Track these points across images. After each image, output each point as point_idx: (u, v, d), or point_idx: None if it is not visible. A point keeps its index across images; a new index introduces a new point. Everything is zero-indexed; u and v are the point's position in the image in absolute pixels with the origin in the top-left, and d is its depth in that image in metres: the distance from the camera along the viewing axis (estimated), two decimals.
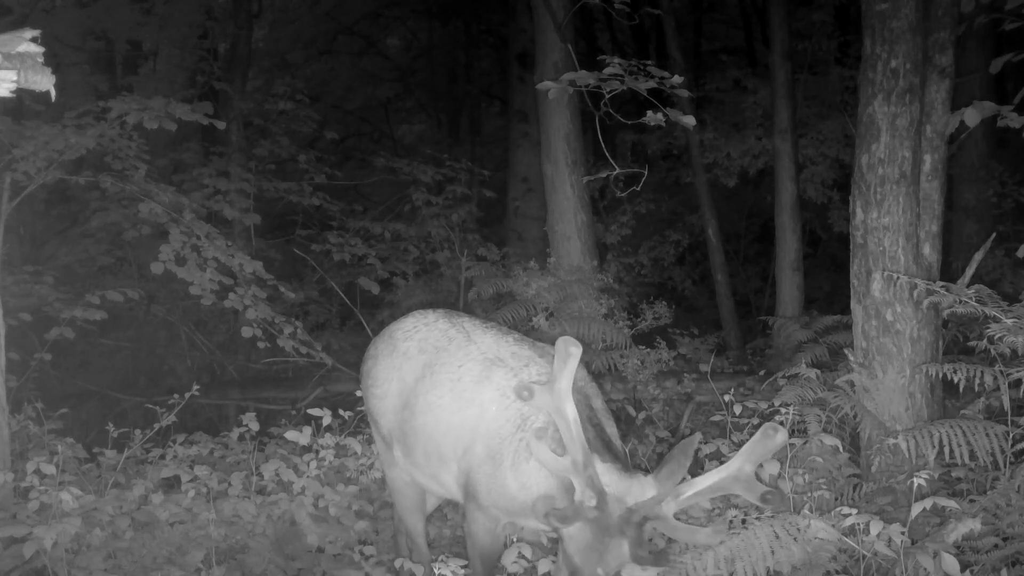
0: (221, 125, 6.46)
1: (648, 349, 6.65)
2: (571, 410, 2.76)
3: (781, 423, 4.05)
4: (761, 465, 3.66)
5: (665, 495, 2.74)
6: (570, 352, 2.73)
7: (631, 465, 2.94)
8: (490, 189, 11.53)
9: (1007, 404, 3.89)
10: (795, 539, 3.25)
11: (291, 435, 4.74)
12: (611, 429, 3.17)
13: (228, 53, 10.71)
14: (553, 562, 3.31)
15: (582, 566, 2.73)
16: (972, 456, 3.80)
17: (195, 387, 5.17)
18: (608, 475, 2.79)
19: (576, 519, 2.70)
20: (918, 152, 4.37)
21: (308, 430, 4.78)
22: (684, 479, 2.80)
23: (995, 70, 4.69)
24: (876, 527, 3.09)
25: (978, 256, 4.39)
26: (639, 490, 2.77)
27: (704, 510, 3.89)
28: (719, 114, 10.70)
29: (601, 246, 9.41)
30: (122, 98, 6.18)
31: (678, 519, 2.82)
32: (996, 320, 3.88)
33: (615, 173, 4.80)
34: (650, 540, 2.85)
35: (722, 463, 4.12)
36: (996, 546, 3.38)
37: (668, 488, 2.75)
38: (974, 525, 3.14)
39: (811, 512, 3.49)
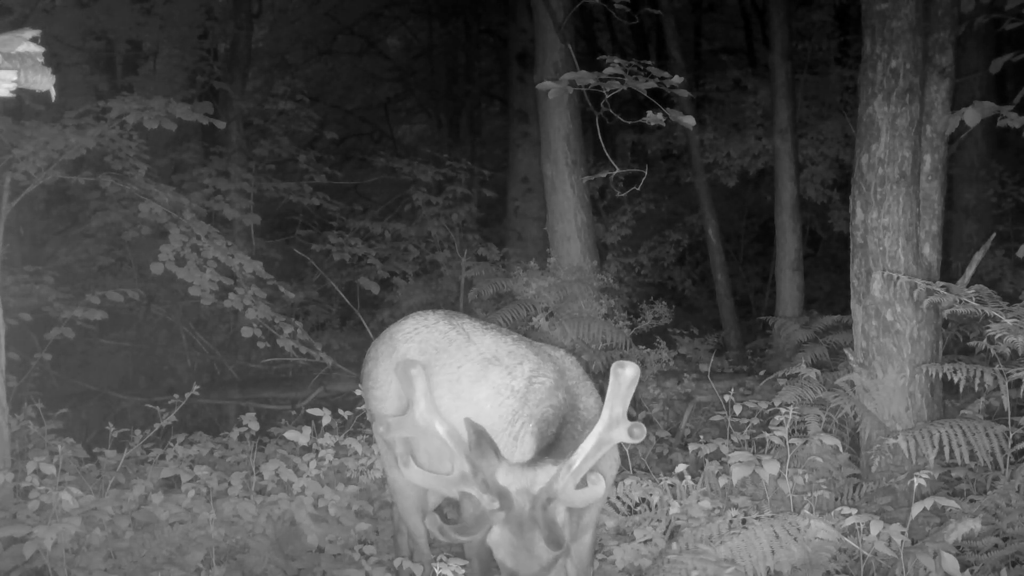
0: (221, 125, 6.46)
1: (648, 349, 6.65)
2: (440, 425, 2.75)
3: (781, 423, 4.06)
4: (760, 463, 3.68)
5: (558, 472, 2.73)
6: (411, 375, 2.73)
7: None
8: (490, 189, 11.53)
9: (1007, 404, 3.89)
10: (795, 539, 3.25)
11: (291, 435, 4.74)
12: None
13: (228, 53, 10.71)
14: None
15: (518, 569, 2.72)
16: (972, 456, 3.81)
17: (195, 387, 5.17)
18: (510, 473, 2.77)
19: (480, 527, 2.69)
20: (918, 152, 4.37)
21: (308, 430, 4.78)
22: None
23: (995, 70, 4.69)
24: (876, 527, 3.09)
25: (978, 256, 4.39)
26: (544, 476, 2.77)
27: (704, 510, 3.89)
28: (719, 114, 10.70)
29: (601, 246, 9.41)
30: (122, 98, 6.18)
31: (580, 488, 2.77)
32: (996, 320, 3.88)
33: (615, 173, 4.81)
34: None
35: (723, 464, 4.14)
36: (996, 546, 3.38)
37: (551, 481, 2.75)
38: (974, 525, 3.14)
39: (811, 512, 3.49)
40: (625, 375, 2.73)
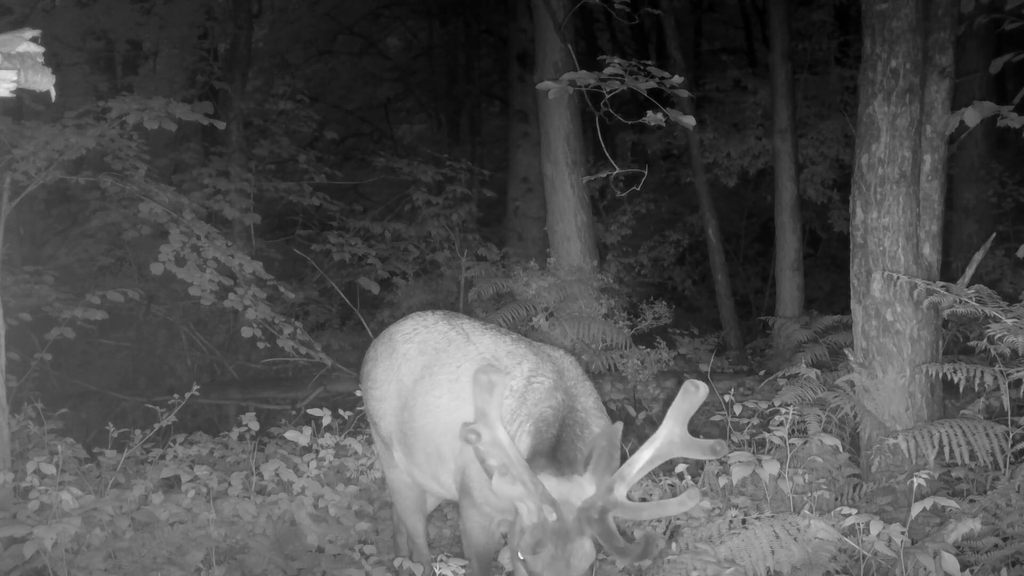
0: (221, 125, 6.46)
1: (648, 349, 6.65)
2: (503, 435, 2.72)
3: (781, 423, 4.06)
4: (760, 463, 3.68)
5: (612, 483, 2.70)
6: (492, 382, 2.68)
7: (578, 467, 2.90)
8: (490, 189, 11.53)
9: (1007, 404, 3.89)
10: (795, 539, 3.25)
11: (291, 435, 4.75)
12: (597, 429, 3.14)
13: (228, 53, 10.71)
14: None
15: None
16: (972, 456, 3.81)
17: (195, 387, 5.17)
18: (547, 483, 2.77)
19: (548, 538, 2.65)
20: (918, 152, 4.37)
21: (308, 430, 4.78)
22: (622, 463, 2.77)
23: (995, 70, 4.69)
24: (876, 527, 3.09)
25: (978, 256, 4.39)
26: (579, 490, 2.76)
27: (704, 510, 3.89)
28: (719, 114, 10.70)
29: (601, 246, 9.41)
30: (122, 98, 6.18)
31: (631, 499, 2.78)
32: (996, 320, 3.88)
33: (615, 173, 4.80)
34: (623, 533, 2.81)
35: (723, 464, 4.13)
36: (996, 546, 3.38)
37: (608, 477, 2.72)
38: (974, 525, 3.14)
39: (811, 512, 3.49)
40: (698, 395, 2.72)
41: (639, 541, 2.62)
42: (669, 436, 2.74)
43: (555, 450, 2.95)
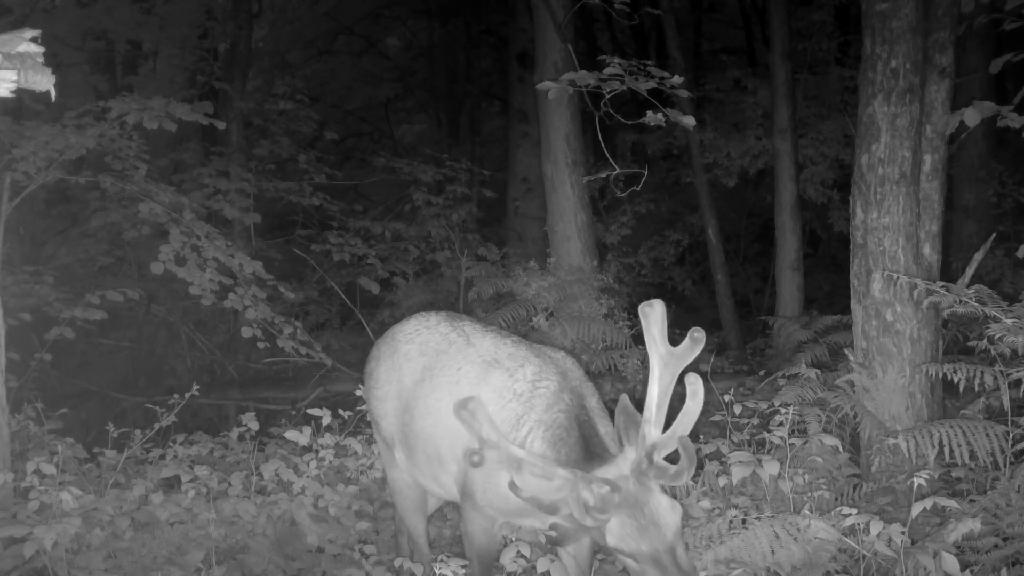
0: (221, 125, 6.46)
1: None
2: (515, 449, 2.71)
3: (781, 423, 4.06)
4: (760, 463, 3.68)
5: (643, 432, 2.70)
6: (472, 409, 2.66)
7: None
8: (490, 189, 11.54)
9: (1007, 404, 3.89)
10: (795, 539, 3.25)
11: (291, 435, 4.74)
12: (604, 428, 3.15)
13: (228, 53, 10.72)
14: (552, 560, 3.30)
15: (655, 545, 2.61)
16: (972, 456, 3.81)
17: (195, 387, 5.17)
18: (602, 474, 2.77)
19: (608, 507, 2.61)
20: (918, 152, 4.37)
21: (308, 430, 4.78)
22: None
23: (995, 70, 4.69)
24: (876, 527, 3.09)
25: (978, 256, 4.39)
26: (627, 462, 2.75)
27: (704, 510, 3.89)
28: (719, 114, 10.70)
29: (601, 246, 9.42)
30: (122, 98, 6.18)
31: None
32: (996, 320, 3.88)
33: (615, 173, 4.81)
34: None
35: (723, 464, 4.12)
36: (996, 546, 3.38)
37: (641, 441, 2.72)
38: (974, 525, 3.14)
39: (811, 512, 3.49)
40: (655, 312, 2.71)
41: (681, 454, 2.64)
42: (660, 360, 2.72)
43: (586, 449, 2.95)
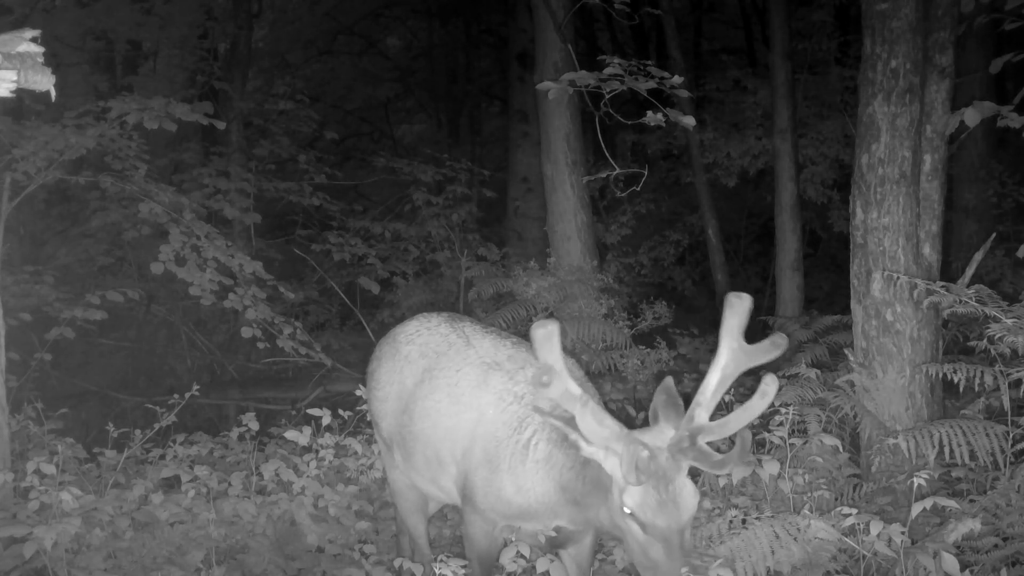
0: (221, 125, 6.47)
1: (648, 349, 6.64)
2: (574, 386, 2.70)
3: (781, 423, 4.05)
4: (760, 463, 3.68)
5: (692, 411, 2.71)
6: (550, 332, 2.64)
7: None
8: (490, 189, 11.54)
9: (1007, 404, 3.89)
10: (795, 539, 3.25)
11: (291, 435, 4.74)
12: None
13: (228, 53, 10.73)
14: (552, 561, 3.30)
15: (669, 523, 2.64)
16: (972, 456, 3.80)
17: (195, 387, 5.17)
18: (640, 434, 2.77)
19: (650, 469, 2.62)
20: (918, 152, 4.37)
21: (308, 430, 4.78)
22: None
23: (995, 70, 4.69)
24: (876, 527, 3.09)
25: (978, 256, 4.39)
26: (661, 435, 2.74)
27: (704, 510, 3.89)
28: (719, 114, 10.70)
29: (601, 246, 9.42)
30: (122, 98, 6.19)
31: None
32: (996, 320, 3.88)
33: (615, 173, 4.80)
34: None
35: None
36: (996, 546, 3.38)
37: (680, 419, 2.73)
38: (974, 525, 3.14)
39: (811, 512, 3.49)
40: (743, 305, 2.71)
41: (736, 445, 2.64)
42: (730, 352, 2.73)
43: None
